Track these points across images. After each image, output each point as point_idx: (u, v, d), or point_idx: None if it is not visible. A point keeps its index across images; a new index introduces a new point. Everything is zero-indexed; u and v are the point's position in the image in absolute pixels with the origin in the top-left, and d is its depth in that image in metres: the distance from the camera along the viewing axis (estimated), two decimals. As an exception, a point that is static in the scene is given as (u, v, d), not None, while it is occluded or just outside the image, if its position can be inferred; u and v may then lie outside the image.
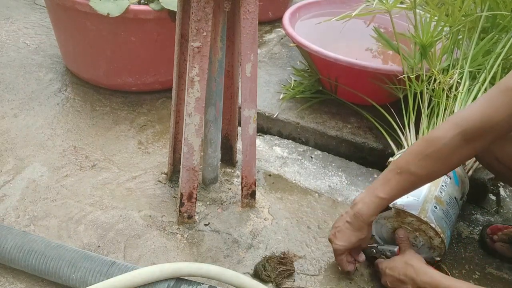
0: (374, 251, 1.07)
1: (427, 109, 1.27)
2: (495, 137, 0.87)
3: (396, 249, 1.03)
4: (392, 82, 1.39)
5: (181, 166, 1.10)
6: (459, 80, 1.26)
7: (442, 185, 1.07)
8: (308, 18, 1.77)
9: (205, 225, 1.16)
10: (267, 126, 1.55)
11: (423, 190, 1.05)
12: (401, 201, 1.03)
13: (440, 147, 0.89)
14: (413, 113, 1.30)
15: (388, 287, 0.98)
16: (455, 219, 1.10)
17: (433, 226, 1.00)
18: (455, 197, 1.09)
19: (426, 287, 0.90)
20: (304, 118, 1.52)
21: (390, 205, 1.03)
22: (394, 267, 0.97)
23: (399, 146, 1.29)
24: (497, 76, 1.25)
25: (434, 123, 1.23)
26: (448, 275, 1.08)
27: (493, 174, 1.15)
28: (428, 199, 1.04)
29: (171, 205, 1.21)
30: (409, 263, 0.95)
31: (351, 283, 1.06)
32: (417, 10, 1.32)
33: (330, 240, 1.03)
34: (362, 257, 1.06)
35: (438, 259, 1.07)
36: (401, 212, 1.03)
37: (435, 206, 1.03)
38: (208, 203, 1.23)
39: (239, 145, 1.34)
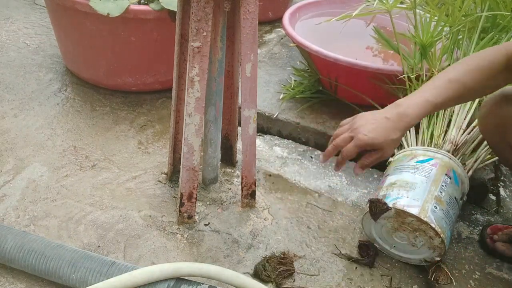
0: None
1: (427, 109, 1.27)
2: None
3: None
4: (393, 82, 1.39)
5: (181, 166, 1.10)
6: (459, 80, 1.26)
7: (442, 185, 1.07)
8: (308, 18, 1.77)
9: (205, 225, 1.16)
10: (267, 126, 1.55)
11: (423, 190, 1.05)
12: (401, 202, 1.03)
13: (490, 62, 0.91)
14: (413, 113, 1.30)
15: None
16: (455, 219, 1.10)
17: (433, 226, 1.00)
18: (455, 197, 1.09)
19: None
20: (304, 118, 1.52)
21: (390, 205, 1.03)
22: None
23: (399, 146, 1.29)
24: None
25: (434, 123, 1.23)
26: (448, 275, 1.08)
27: (503, 163, 1.14)
28: (428, 199, 1.04)
29: (171, 205, 1.21)
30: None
31: (351, 283, 1.06)
32: (417, 10, 1.32)
33: (353, 130, 0.94)
34: (358, 170, 0.98)
35: (438, 259, 1.07)
36: (401, 212, 1.03)
37: (435, 206, 1.03)
38: (208, 203, 1.23)
39: (239, 145, 1.34)
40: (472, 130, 1.20)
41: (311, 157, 1.46)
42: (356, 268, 1.10)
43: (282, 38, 2.09)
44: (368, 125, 0.92)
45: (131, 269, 0.93)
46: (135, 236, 1.11)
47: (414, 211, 1.01)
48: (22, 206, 1.15)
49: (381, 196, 1.08)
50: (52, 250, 0.95)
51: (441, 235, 1.01)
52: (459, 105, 1.23)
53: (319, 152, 1.48)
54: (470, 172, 1.20)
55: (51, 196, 1.20)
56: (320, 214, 1.25)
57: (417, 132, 1.26)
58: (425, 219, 1.00)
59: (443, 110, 1.24)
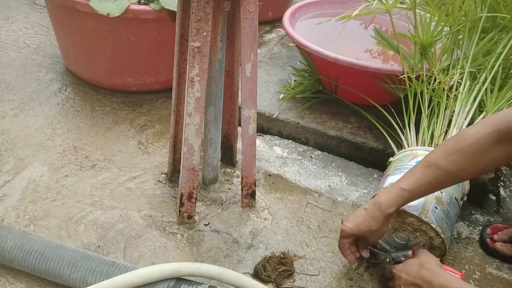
0: (388, 259, 1.03)
1: (428, 109, 1.27)
2: None
3: (409, 252, 1.00)
4: (393, 82, 1.39)
5: (181, 166, 1.10)
6: (459, 80, 1.26)
7: None
8: (308, 18, 1.77)
9: (205, 225, 1.16)
10: (267, 126, 1.55)
11: None
12: None
13: (471, 142, 0.86)
14: (413, 113, 1.30)
15: None
16: (455, 219, 1.10)
17: (434, 226, 1.00)
18: (455, 198, 1.09)
19: None
20: (304, 118, 1.52)
21: None
22: (409, 270, 0.93)
23: (399, 146, 1.29)
24: (498, 76, 1.25)
25: (434, 123, 1.23)
26: None
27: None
28: (428, 199, 1.03)
29: (171, 205, 1.21)
30: (425, 266, 0.91)
31: (351, 283, 1.06)
32: (417, 10, 1.32)
33: (341, 222, 1.00)
34: (366, 253, 1.02)
35: (439, 259, 1.07)
36: (402, 213, 1.03)
37: (435, 207, 1.03)
38: (208, 203, 1.23)
39: (239, 145, 1.34)
40: None
41: (311, 157, 1.46)
42: (356, 268, 1.09)
43: (282, 38, 2.09)
44: (350, 217, 0.97)
45: (131, 269, 0.93)
46: (135, 236, 1.11)
47: (415, 211, 1.01)
48: (22, 206, 1.15)
49: None
50: (52, 250, 0.95)
51: (442, 235, 1.01)
52: (460, 105, 1.23)
53: (319, 152, 1.48)
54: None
55: (51, 196, 1.20)
56: (320, 214, 1.25)
57: (417, 132, 1.26)
58: (425, 219, 1.00)
59: (443, 110, 1.24)
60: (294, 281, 1.05)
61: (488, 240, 1.18)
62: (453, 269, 0.99)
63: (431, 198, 1.04)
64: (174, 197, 1.23)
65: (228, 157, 1.37)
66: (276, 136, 1.54)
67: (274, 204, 1.26)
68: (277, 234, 1.16)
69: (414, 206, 1.02)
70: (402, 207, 1.02)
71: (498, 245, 1.16)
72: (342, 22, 1.43)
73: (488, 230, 1.19)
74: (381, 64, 1.64)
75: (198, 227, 1.16)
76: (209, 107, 1.13)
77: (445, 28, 1.34)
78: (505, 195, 1.38)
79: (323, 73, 1.55)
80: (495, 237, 1.17)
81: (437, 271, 0.90)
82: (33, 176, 1.25)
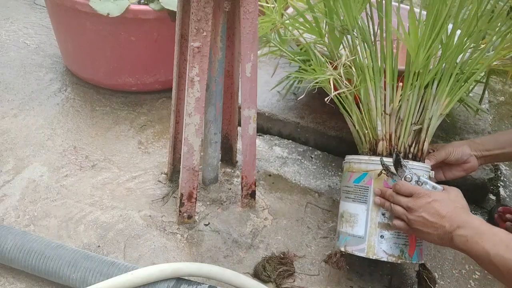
0: (410, 177, 0.90)
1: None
2: None
3: (441, 187, 0.90)
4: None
5: (181, 166, 1.10)
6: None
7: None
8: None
9: (205, 225, 1.16)
10: (267, 126, 1.55)
11: (364, 222, 0.97)
12: (350, 244, 0.98)
13: None
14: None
15: (407, 224, 0.88)
16: None
17: (385, 259, 0.94)
18: None
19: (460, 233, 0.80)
20: (304, 118, 1.52)
21: (342, 249, 0.98)
22: (436, 213, 0.84)
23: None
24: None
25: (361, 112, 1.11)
26: (427, 282, 1.00)
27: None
28: (371, 231, 0.95)
29: (171, 205, 1.21)
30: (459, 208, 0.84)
31: (351, 283, 1.06)
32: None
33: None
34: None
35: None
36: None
37: (381, 236, 0.95)
38: (208, 203, 1.23)
39: (239, 145, 1.34)
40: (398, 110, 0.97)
41: (311, 157, 1.46)
42: (356, 268, 1.09)
43: (282, 38, 2.09)
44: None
45: (131, 269, 0.93)
46: (135, 236, 1.11)
47: (362, 253, 0.96)
48: (22, 206, 1.15)
49: (337, 231, 1.03)
50: (52, 250, 0.95)
51: (399, 261, 0.95)
52: (369, 86, 1.04)
53: (319, 152, 1.48)
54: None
55: (51, 196, 1.20)
56: (320, 214, 1.25)
57: None
58: (374, 257, 0.95)
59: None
60: (294, 281, 1.05)
61: (496, 215, 1.17)
62: None
63: (374, 228, 0.96)
64: (174, 197, 1.23)
65: (228, 157, 1.37)
66: (276, 136, 1.54)
67: (274, 204, 1.26)
68: (277, 234, 1.17)
69: (360, 245, 0.96)
70: (351, 251, 0.97)
71: (508, 224, 1.14)
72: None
73: (500, 209, 1.18)
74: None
75: (198, 227, 1.16)
76: (209, 107, 1.14)
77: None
78: (505, 195, 1.38)
79: (323, 73, 1.54)
80: (508, 216, 1.15)
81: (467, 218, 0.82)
82: (33, 176, 1.25)
